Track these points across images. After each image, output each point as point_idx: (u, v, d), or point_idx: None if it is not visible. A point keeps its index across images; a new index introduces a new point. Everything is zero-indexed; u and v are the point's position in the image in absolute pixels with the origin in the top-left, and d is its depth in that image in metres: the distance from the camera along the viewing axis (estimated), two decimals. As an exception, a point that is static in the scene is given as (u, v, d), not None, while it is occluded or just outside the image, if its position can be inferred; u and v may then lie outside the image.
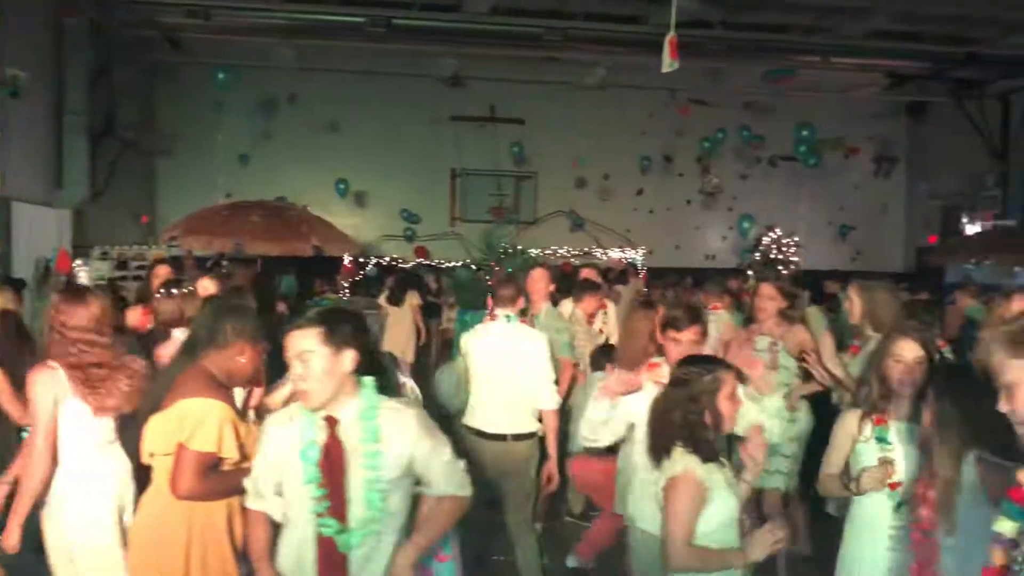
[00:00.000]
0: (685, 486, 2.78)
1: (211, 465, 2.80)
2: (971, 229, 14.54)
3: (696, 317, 3.67)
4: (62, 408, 3.11)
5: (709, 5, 11.03)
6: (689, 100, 14.55)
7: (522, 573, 4.76)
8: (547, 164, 16.49)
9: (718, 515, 2.84)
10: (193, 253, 9.92)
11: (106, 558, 3.14)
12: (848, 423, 3.31)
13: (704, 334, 3.72)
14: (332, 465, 2.48)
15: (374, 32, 12.13)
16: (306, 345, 2.44)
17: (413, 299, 10.14)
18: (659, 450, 2.92)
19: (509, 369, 4.62)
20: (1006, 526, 1.99)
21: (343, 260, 13.30)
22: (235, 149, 15.23)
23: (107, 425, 3.22)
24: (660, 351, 3.95)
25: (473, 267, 12.94)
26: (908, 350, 3.21)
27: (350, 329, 2.50)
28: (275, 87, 15.34)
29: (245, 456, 2.82)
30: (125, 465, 3.27)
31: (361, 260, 14.37)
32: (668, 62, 4.65)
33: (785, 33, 12.60)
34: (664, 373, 3.52)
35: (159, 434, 2.76)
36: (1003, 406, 1.95)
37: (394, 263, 14.86)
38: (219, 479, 2.83)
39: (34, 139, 10.93)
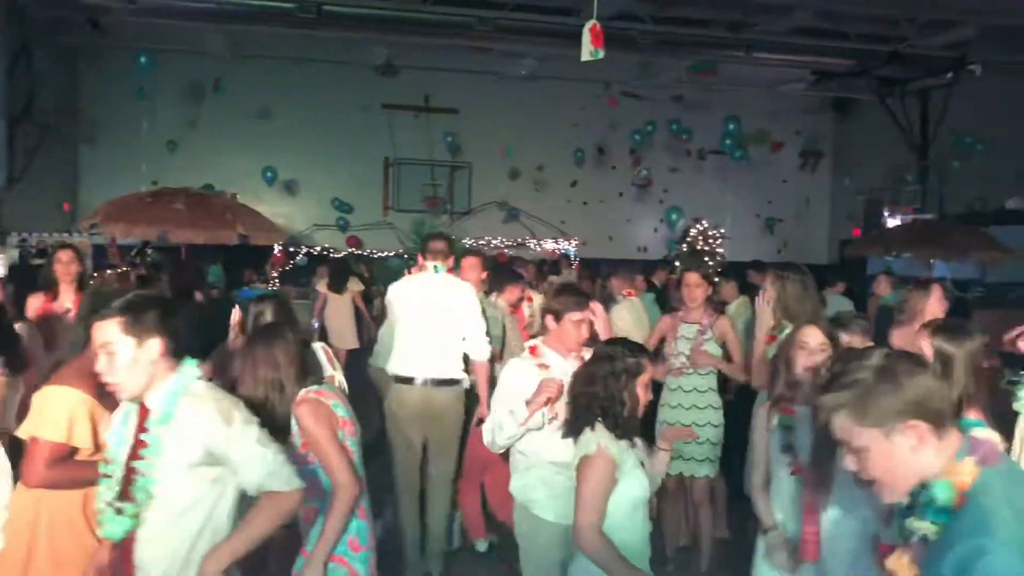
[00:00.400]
0: (599, 464, 2.84)
1: (62, 455, 2.74)
2: (892, 223, 14.99)
3: (586, 299, 3.76)
4: None
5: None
6: (622, 93, 14.69)
7: (429, 535, 4.81)
8: (481, 154, 16.49)
9: (629, 493, 2.90)
10: (116, 241, 9.71)
11: None
12: (762, 416, 3.41)
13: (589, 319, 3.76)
14: (131, 452, 2.46)
15: (304, 18, 11.96)
16: (108, 336, 2.39)
17: (355, 286, 10.29)
18: (577, 426, 2.97)
19: (432, 316, 4.70)
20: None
21: (273, 249, 13.13)
22: (161, 136, 14.87)
23: None
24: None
25: (406, 257, 12.91)
26: (811, 337, 3.32)
27: (155, 316, 2.42)
28: (203, 73, 15.01)
29: (99, 447, 2.76)
30: None
31: (291, 249, 14.21)
32: (589, 50, 4.68)
33: (712, 28, 12.80)
34: (545, 354, 3.60)
35: (26, 421, 2.74)
36: (848, 465, 1.86)
37: (325, 252, 14.72)
38: (69, 469, 2.76)
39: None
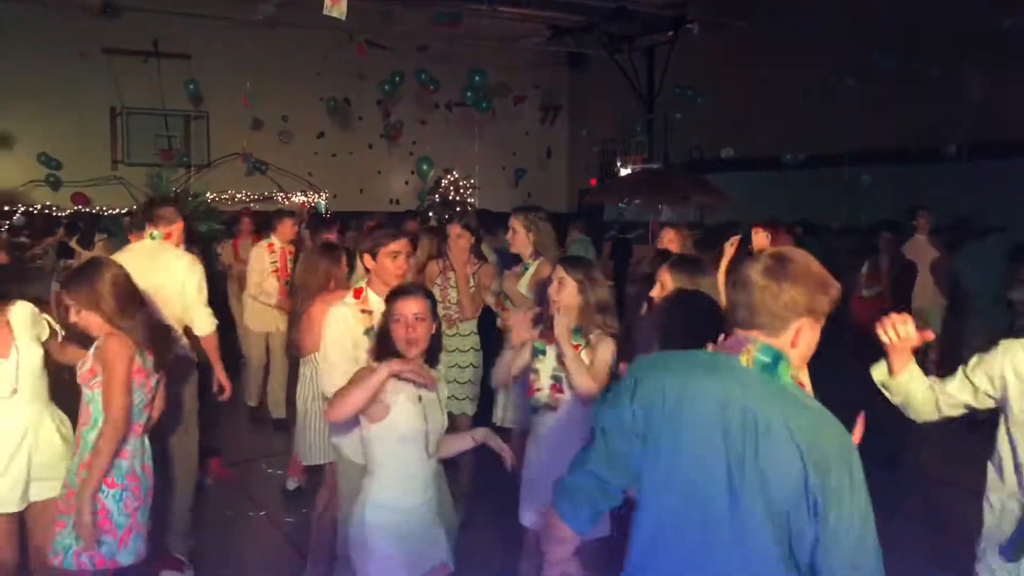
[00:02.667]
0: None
1: None
2: (624, 172, 16.10)
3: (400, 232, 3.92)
4: None
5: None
6: (366, 42, 14.46)
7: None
8: (219, 104, 15.59)
9: (402, 420, 2.95)
10: None
11: None
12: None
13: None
14: None
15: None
16: None
17: (103, 240, 10.18)
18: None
19: (152, 287, 4.45)
20: None
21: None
22: None
23: None
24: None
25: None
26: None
27: None
28: None
29: None
30: None
31: (6, 208, 12.82)
32: (330, 7, 4.51)
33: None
34: (369, 297, 3.73)
35: None
36: None
37: (48, 211, 13.41)
38: None
39: None
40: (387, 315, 3.01)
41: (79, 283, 3.15)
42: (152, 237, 4.54)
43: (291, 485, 5.75)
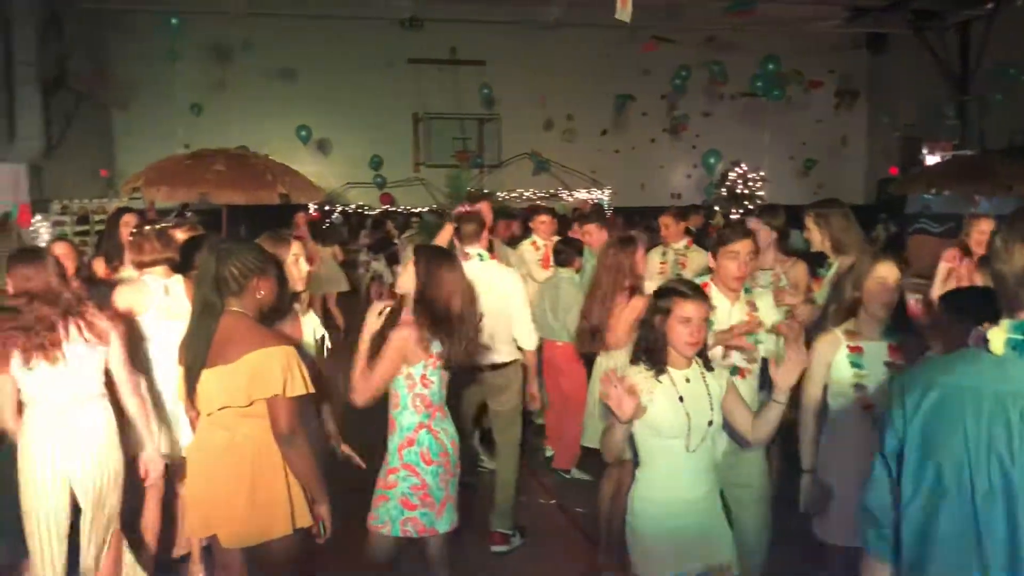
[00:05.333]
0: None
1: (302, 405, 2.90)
2: (931, 159, 14.71)
3: (747, 232, 3.75)
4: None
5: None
6: (653, 37, 14.42)
7: (496, 485, 4.94)
8: (511, 106, 16.38)
9: (660, 417, 2.89)
10: (155, 205, 9.79)
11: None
12: (822, 350, 3.34)
13: (757, 249, 3.74)
14: None
15: (328, -26, 11.91)
16: None
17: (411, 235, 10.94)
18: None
19: (486, 307, 4.69)
20: None
21: (302, 209, 13.24)
22: (191, 99, 14.95)
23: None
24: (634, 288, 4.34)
25: (439, 212, 12.95)
26: (890, 272, 3.26)
27: None
28: (227, 34, 15.01)
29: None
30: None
31: (327, 208, 14.31)
32: (620, 11, 4.38)
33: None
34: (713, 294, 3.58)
35: (229, 388, 2.77)
36: None
37: (361, 210, 14.83)
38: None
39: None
40: (666, 312, 2.95)
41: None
42: (480, 258, 4.80)
43: (548, 453, 6.14)
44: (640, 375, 2.89)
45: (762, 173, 15.34)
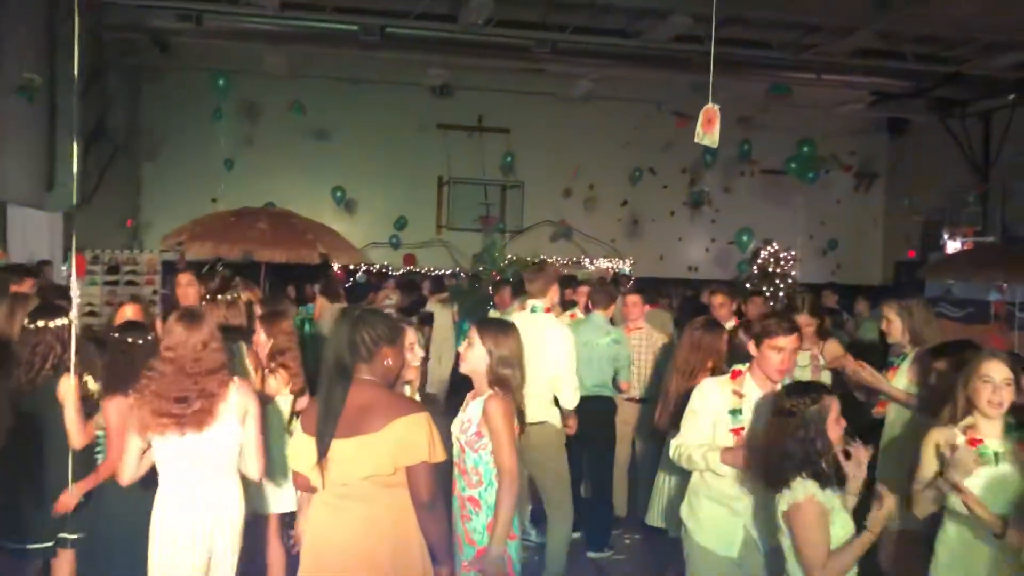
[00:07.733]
0: (810, 510, 2.88)
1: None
2: (951, 244, 14.79)
3: (794, 326, 3.60)
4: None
5: (700, 21, 11.18)
6: (677, 113, 14.65)
7: (547, 554, 4.94)
8: (533, 174, 16.57)
9: (840, 537, 2.92)
10: (185, 258, 9.86)
11: None
12: (936, 440, 3.36)
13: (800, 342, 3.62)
14: None
15: (368, 40, 12.15)
16: None
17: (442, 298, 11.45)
18: (777, 480, 3.00)
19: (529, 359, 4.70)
20: None
21: (325, 268, 13.31)
22: (221, 154, 15.12)
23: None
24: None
25: (463, 275, 13.01)
26: (996, 371, 3.25)
27: None
28: (261, 92, 15.27)
29: None
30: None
31: (351, 268, 14.38)
32: (700, 134, 4.35)
33: (768, 50, 12.73)
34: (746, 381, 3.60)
35: (376, 456, 2.76)
36: None
37: (384, 270, 14.90)
38: None
39: (27, 142, 10.86)
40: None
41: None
42: (533, 311, 4.85)
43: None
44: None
45: (793, 252, 15.37)
